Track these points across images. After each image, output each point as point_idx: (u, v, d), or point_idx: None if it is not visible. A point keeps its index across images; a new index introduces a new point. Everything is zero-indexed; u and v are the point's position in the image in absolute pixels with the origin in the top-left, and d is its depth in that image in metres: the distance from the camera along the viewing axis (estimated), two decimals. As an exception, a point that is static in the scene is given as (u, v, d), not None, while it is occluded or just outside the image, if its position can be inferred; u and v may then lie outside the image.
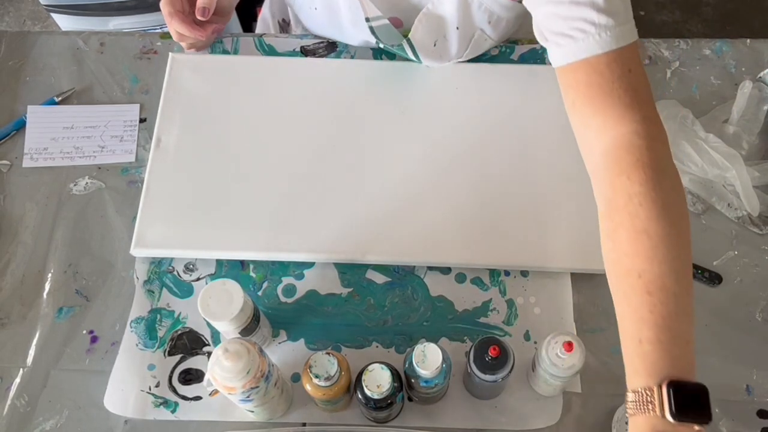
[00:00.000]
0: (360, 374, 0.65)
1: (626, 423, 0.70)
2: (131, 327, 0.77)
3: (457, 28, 0.83)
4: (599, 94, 0.63)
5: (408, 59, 0.89)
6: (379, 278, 0.80)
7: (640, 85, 0.63)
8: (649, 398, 0.53)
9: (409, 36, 0.84)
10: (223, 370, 0.60)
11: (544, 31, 0.66)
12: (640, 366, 0.55)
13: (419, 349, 0.65)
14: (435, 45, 0.85)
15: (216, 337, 0.77)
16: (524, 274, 0.80)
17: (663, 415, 0.52)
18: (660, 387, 0.53)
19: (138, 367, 0.75)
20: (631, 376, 0.56)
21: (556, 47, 0.65)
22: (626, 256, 0.58)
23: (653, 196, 0.58)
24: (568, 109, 0.66)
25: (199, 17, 0.83)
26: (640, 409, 0.53)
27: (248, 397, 0.63)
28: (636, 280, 0.56)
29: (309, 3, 0.89)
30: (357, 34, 0.88)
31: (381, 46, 0.87)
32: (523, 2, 0.69)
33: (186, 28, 0.83)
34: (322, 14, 0.89)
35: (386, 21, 0.83)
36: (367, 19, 0.82)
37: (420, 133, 0.86)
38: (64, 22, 1.31)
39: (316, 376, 0.64)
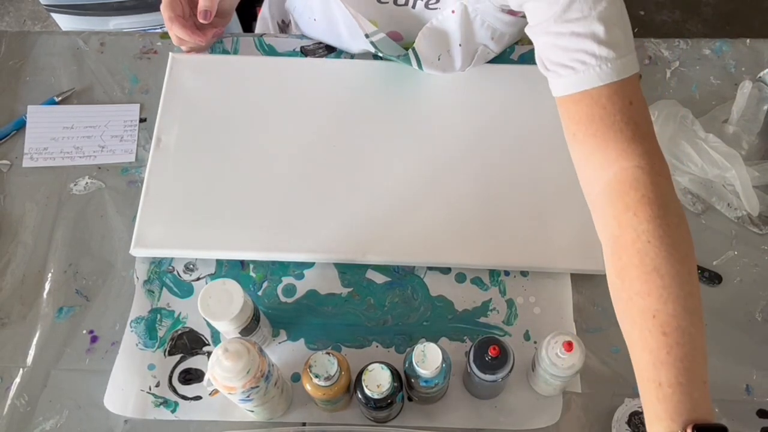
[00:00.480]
0: (360, 374, 0.65)
1: (626, 423, 0.70)
2: (131, 327, 0.77)
3: (460, 45, 0.83)
4: (601, 127, 0.62)
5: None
6: (379, 278, 0.80)
7: (641, 118, 0.63)
8: None
9: (414, 46, 0.83)
10: (223, 370, 0.60)
11: (544, 60, 0.66)
12: (661, 410, 0.54)
13: (419, 349, 0.65)
14: (439, 59, 0.85)
15: (216, 337, 0.77)
16: (524, 274, 0.80)
17: None
18: (684, 431, 0.53)
19: (138, 366, 0.75)
20: (651, 420, 0.55)
21: (556, 77, 0.64)
22: (638, 295, 0.57)
23: (661, 233, 0.58)
24: (568, 141, 0.66)
25: (200, 20, 0.83)
26: None
27: (248, 396, 0.63)
28: (651, 321, 0.56)
29: (308, 13, 0.89)
30: (357, 45, 0.88)
31: (381, 56, 0.87)
32: (525, 30, 0.69)
33: (186, 33, 0.84)
34: (321, 25, 0.89)
35: (384, 35, 0.83)
36: (367, 36, 0.83)
37: (420, 133, 0.86)
38: (64, 22, 1.31)
39: (316, 376, 0.64)
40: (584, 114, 0.63)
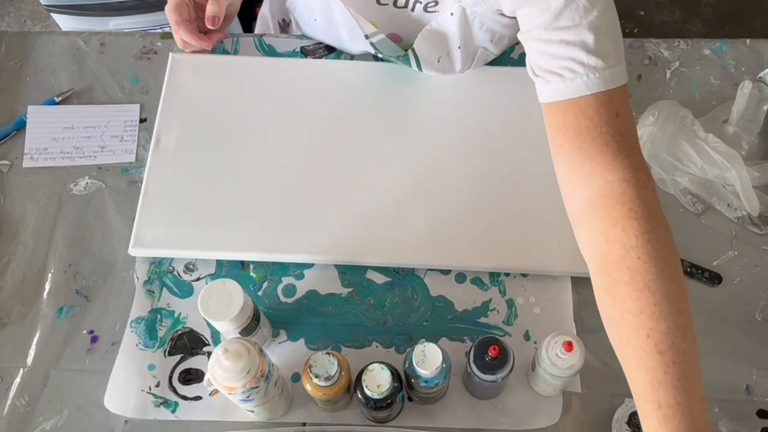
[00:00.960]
0: (360, 374, 0.65)
1: (626, 423, 0.70)
2: (131, 327, 0.77)
3: (459, 47, 0.83)
4: (587, 139, 0.62)
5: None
6: (379, 278, 0.80)
7: (627, 130, 0.63)
8: None
9: (414, 46, 0.83)
10: (223, 370, 0.60)
11: (533, 66, 0.66)
12: None
13: (419, 349, 0.65)
14: (438, 61, 0.85)
15: (216, 337, 0.77)
16: (524, 274, 0.80)
17: None
18: None
19: (138, 367, 0.75)
20: None
21: (544, 83, 0.64)
22: (630, 313, 0.57)
23: (650, 249, 0.57)
24: (553, 151, 0.66)
25: (209, 26, 0.84)
26: None
27: (248, 397, 0.63)
28: (645, 340, 0.56)
29: (309, 13, 0.89)
30: (357, 46, 0.88)
31: (381, 56, 0.87)
32: (517, 36, 0.69)
33: (193, 37, 0.84)
34: (321, 25, 0.89)
35: (384, 36, 0.83)
36: (366, 36, 0.83)
37: (419, 135, 0.85)
38: (65, 22, 1.31)
39: (316, 376, 0.64)
40: (571, 125, 0.63)
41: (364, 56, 0.91)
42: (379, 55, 0.86)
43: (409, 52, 0.84)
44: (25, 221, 0.83)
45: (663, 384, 0.54)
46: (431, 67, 0.86)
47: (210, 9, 0.82)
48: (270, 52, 0.93)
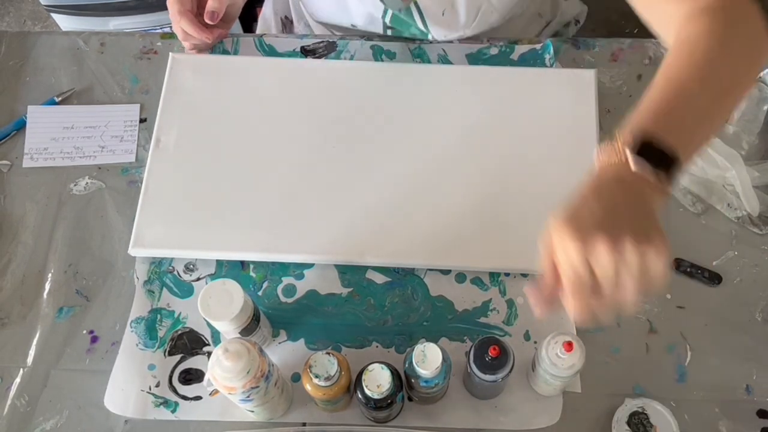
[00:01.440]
0: (360, 374, 0.65)
1: (626, 423, 0.70)
2: (131, 327, 0.77)
3: None
4: None
5: (414, 38, 0.89)
6: (379, 278, 0.80)
7: None
8: (616, 145, 0.53)
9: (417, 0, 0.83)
10: (223, 370, 0.60)
11: None
12: (626, 128, 0.54)
13: (419, 349, 0.65)
14: (443, 14, 0.85)
15: (216, 337, 0.77)
16: (524, 274, 0.79)
17: (623, 160, 0.52)
18: (631, 136, 0.52)
19: (138, 367, 0.75)
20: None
21: None
22: (665, 66, 0.58)
23: (716, 27, 0.58)
24: (641, 11, 0.66)
25: (207, 21, 0.84)
26: (605, 154, 0.54)
27: (248, 397, 0.63)
28: (663, 75, 0.57)
29: None
30: (363, 9, 0.88)
31: (387, 20, 0.85)
32: None
33: (193, 28, 0.84)
34: None
35: None
36: None
37: (419, 135, 0.85)
38: (65, 22, 1.31)
39: (316, 376, 0.64)
40: None
41: (363, 52, 0.91)
42: (386, 20, 0.85)
43: (411, 5, 0.84)
44: (25, 221, 0.83)
45: (654, 101, 0.55)
46: (436, 22, 0.85)
47: (211, 4, 0.83)
48: (270, 52, 0.94)
